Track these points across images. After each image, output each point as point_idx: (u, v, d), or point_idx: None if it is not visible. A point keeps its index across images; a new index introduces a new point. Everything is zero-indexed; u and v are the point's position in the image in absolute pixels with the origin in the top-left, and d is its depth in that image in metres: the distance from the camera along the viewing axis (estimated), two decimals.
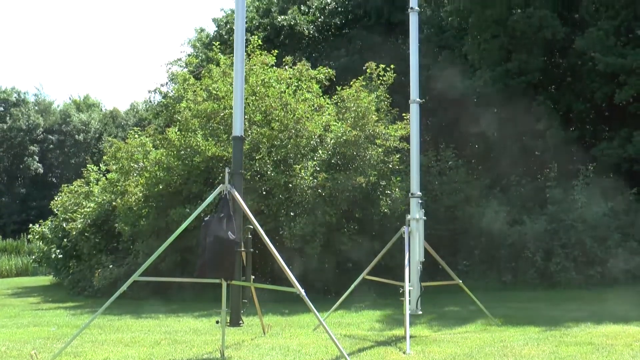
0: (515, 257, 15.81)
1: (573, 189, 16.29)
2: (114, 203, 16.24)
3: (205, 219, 7.97)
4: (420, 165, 10.06)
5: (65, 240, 18.40)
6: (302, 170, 13.89)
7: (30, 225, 21.13)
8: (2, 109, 49.17)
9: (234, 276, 7.88)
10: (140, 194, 15.21)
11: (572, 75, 19.25)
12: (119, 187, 16.45)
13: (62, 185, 20.13)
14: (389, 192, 14.69)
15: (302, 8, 25.05)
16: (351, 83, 15.40)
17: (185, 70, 22.21)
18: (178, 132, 15.11)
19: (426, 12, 21.80)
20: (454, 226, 16.49)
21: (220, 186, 8.03)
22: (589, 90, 18.11)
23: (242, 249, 8.04)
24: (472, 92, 19.39)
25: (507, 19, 18.36)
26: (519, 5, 18.60)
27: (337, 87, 15.98)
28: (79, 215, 17.62)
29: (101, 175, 19.15)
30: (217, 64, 16.40)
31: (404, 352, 7.91)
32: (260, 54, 15.87)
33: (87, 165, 20.02)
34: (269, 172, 14.07)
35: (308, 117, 14.65)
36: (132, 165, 16.24)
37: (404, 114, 14.17)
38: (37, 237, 20.39)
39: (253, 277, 8.39)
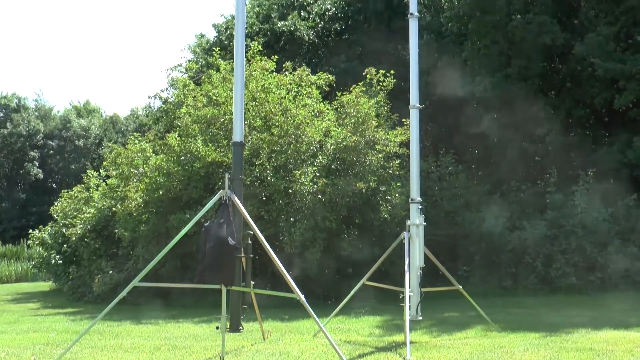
0: (516, 262, 15.82)
1: (573, 194, 16.30)
2: (114, 209, 16.24)
3: (205, 224, 7.97)
4: (420, 171, 10.06)
5: (65, 245, 18.39)
6: (302, 176, 13.89)
7: (30, 230, 21.11)
8: (1, 114, 49.19)
9: (234, 282, 7.88)
10: (140, 200, 15.21)
11: (571, 80, 19.26)
12: (119, 192, 16.45)
13: (62, 191, 20.11)
14: (389, 197, 14.68)
15: (302, 14, 25.08)
16: (351, 89, 15.42)
17: (186, 75, 22.20)
18: (178, 138, 15.12)
19: (426, 17, 21.82)
20: (454, 232, 16.49)
21: (220, 192, 8.04)
22: (588, 96, 18.12)
23: (242, 255, 8.04)
24: (472, 97, 19.40)
25: (506, 25, 18.39)
26: (518, 11, 18.64)
27: (337, 92, 16.00)
28: (78, 221, 17.60)
29: (101, 180, 19.14)
30: (217, 70, 16.42)
31: (404, 358, 7.90)
32: (260, 60, 15.89)
33: (87, 171, 20.01)
34: (269, 178, 14.08)
35: (308, 123, 14.66)
36: (132, 170, 16.25)
37: (404, 120, 14.17)
38: (36, 242, 20.37)
39: (253, 282, 8.40)
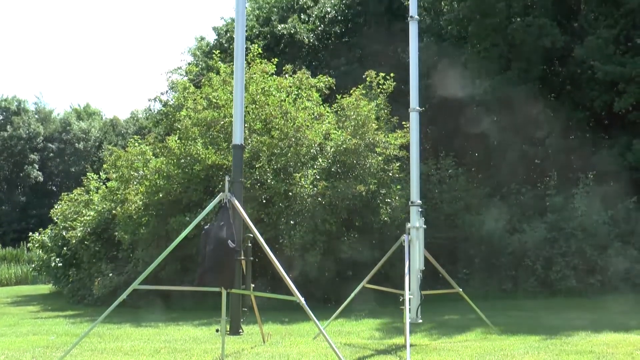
0: (516, 265, 15.81)
1: (573, 197, 16.30)
2: (113, 211, 16.23)
3: (205, 227, 7.97)
4: (420, 174, 10.06)
5: (65, 248, 18.38)
6: (302, 179, 13.90)
7: (30, 233, 21.08)
8: (1, 117, 49.21)
9: (234, 284, 7.88)
10: (140, 202, 15.21)
11: (571, 83, 19.27)
12: (119, 195, 16.46)
13: (62, 194, 20.11)
14: (389, 200, 14.68)
15: (302, 17, 25.09)
16: (351, 91, 15.43)
17: (186, 78, 22.24)
18: (178, 141, 15.13)
19: (426, 20, 21.84)
20: (454, 234, 16.48)
21: (220, 194, 8.04)
22: (588, 99, 18.12)
23: (242, 258, 8.03)
24: (472, 100, 19.41)
25: (506, 28, 18.40)
26: (518, 13, 18.65)
27: (337, 95, 16.01)
28: (78, 224, 17.60)
29: (101, 183, 19.15)
30: (217, 73, 16.44)
31: None
32: (260, 63, 15.91)
33: (87, 174, 20.01)
34: (269, 181, 14.08)
35: (308, 126, 14.67)
36: (132, 173, 16.25)
37: (403, 122, 14.19)
38: (36, 245, 20.35)
39: (253, 285, 8.39)
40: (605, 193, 16.41)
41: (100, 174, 19.56)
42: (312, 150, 14.65)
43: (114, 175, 17.14)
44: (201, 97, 15.79)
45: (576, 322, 10.93)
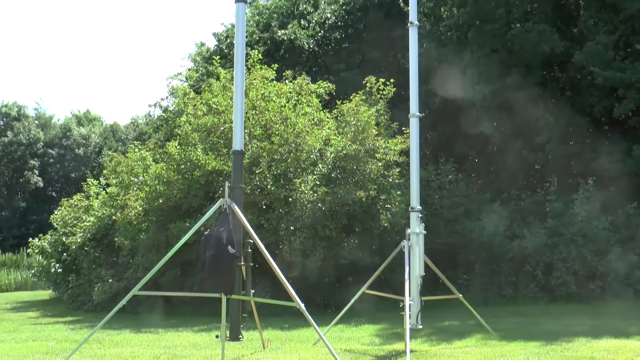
0: (516, 271, 15.79)
1: (573, 202, 16.29)
2: (113, 217, 16.24)
3: (205, 233, 7.97)
4: (420, 179, 10.06)
5: (64, 254, 18.37)
6: (302, 184, 13.90)
7: (30, 239, 21.09)
8: (2, 123, 49.25)
9: (234, 290, 7.87)
10: (140, 208, 15.22)
11: (571, 89, 19.28)
12: (118, 201, 16.46)
13: (62, 199, 20.10)
14: (389, 206, 14.68)
15: (302, 22, 25.15)
16: (351, 97, 15.45)
17: (186, 84, 22.26)
18: (178, 146, 15.15)
19: (426, 26, 21.86)
20: (454, 240, 16.48)
21: (220, 200, 8.04)
22: (588, 104, 18.13)
23: (242, 263, 8.03)
24: (471, 105, 19.43)
25: (506, 34, 18.42)
26: (518, 19, 18.68)
27: (337, 101, 16.04)
28: (78, 230, 17.59)
29: (101, 189, 19.14)
30: (217, 78, 16.46)
31: None
32: (261, 68, 15.94)
33: (87, 179, 20.02)
34: (269, 186, 14.08)
35: (308, 131, 14.69)
36: (132, 179, 16.26)
37: (403, 128, 14.19)
38: (36, 251, 20.35)
39: (253, 291, 8.39)
40: (605, 198, 16.41)
41: (100, 179, 19.55)
42: (312, 156, 14.66)
43: (114, 181, 17.15)
44: (201, 103, 15.82)
45: (576, 327, 10.91)
